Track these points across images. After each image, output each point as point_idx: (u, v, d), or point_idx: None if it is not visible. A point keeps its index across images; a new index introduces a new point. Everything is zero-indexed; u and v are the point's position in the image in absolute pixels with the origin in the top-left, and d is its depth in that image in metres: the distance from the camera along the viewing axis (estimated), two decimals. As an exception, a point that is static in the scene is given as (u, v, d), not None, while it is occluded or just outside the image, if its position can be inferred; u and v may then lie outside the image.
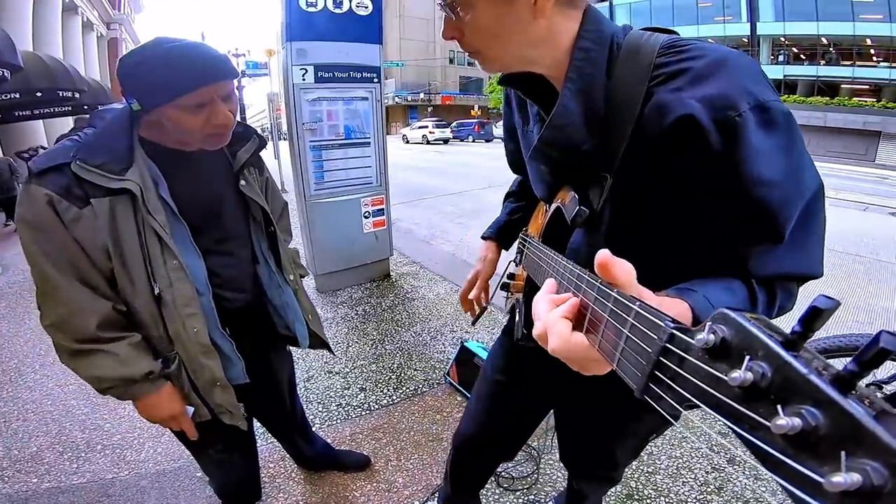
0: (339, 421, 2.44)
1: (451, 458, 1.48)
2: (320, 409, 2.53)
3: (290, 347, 1.65)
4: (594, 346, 0.51)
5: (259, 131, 1.38)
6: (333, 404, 2.57)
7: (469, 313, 1.30)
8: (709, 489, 1.94)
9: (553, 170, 0.90)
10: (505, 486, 1.99)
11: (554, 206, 0.92)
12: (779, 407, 0.28)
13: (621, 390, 0.46)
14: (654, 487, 1.97)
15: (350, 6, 3.70)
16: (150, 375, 1.12)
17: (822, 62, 23.74)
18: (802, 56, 24.31)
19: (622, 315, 0.46)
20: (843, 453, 0.24)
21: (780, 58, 24.64)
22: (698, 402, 0.34)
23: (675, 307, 0.60)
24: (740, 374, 0.30)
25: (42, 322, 1.07)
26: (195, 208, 1.20)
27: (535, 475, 2.03)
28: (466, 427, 1.38)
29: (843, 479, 0.22)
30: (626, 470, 2.00)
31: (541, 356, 0.80)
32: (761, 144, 0.63)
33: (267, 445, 2.13)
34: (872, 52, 23.12)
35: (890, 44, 21.90)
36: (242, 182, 1.31)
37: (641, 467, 2.06)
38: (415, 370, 2.90)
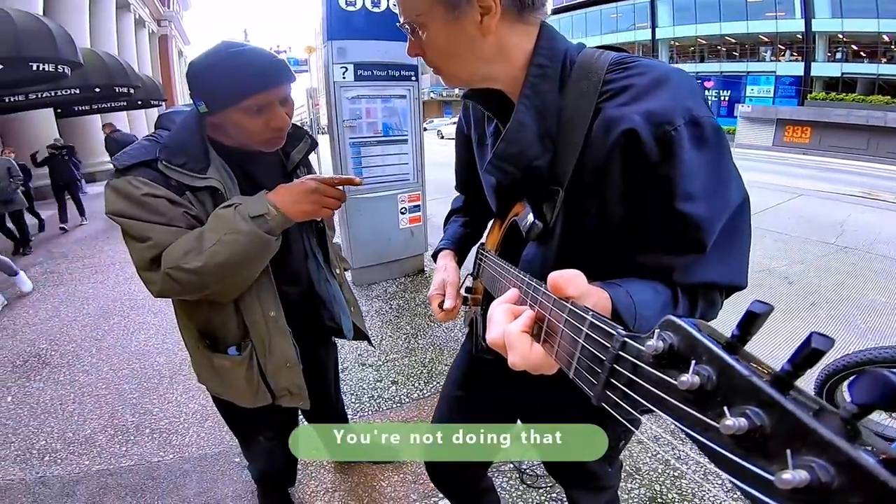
0: (370, 412, 2.51)
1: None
2: (353, 400, 2.61)
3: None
4: (552, 356, 0.53)
5: (300, 125, 1.42)
6: (366, 396, 2.65)
7: (440, 320, 1.26)
8: (736, 493, 1.89)
9: (508, 184, 0.91)
10: (528, 482, 2.00)
11: (509, 219, 0.94)
12: (725, 408, 0.29)
13: (580, 399, 0.47)
14: (679, 491, 1.96)
15: (388, 5, 3.75)
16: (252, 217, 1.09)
17: (883, 60, 22.30)
18: (862, 54, 22.87)
19: (577, 325, 0.48)
20: (788, 451, 0.25)
21: (838, 55, 23.27)
22: (652, 407, 0.36)
23: (596, 293, 0.63)
24: (688, 378, 0.31)
25: (162, 267, 1.05)
26: None
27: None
28: None
29: (792, 476, 0.23)
30: (651, 473, 2.01)
31: (498, 368, 0.83)
32: (691, 160, 0.67)
33: (301, 434, 2.21)
34: None
35: None
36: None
37: (668, 471, 2.05)
38: (445, 365, 2.94)
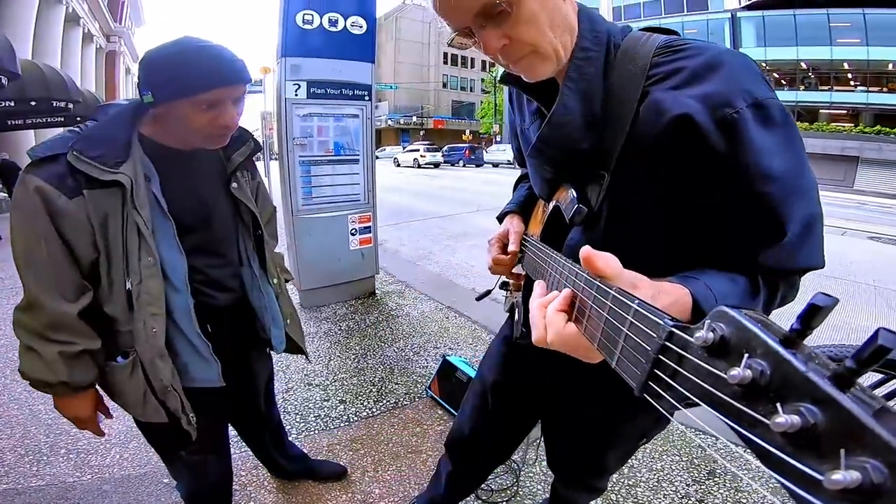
0: (316, 432, 2.38)
1: (448, 462, 1.48)
2: (297, 420, 2.47)
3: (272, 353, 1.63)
4: (594, 345, 0.52)
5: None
6: (312, 416, 2.52)
7: (500, 272, 1.17)
8: (689, 502, 1.91)
9: (552, 167, 0.90)
10: (484, 498, 1.94)
11: (553, 204, 0.92)
12: (778, 405, 0.28)
13: (618, 389, 0.47)
14: (635, 500, 1.94)
15: (345, 25, 3.78)
16: (65, 385, 1.12)
17: (802, 87, 24.24)
18: (783, 81, 24.75)
19: (621, 313, 0.46)
20: (842, 451, 0.24)
21: None
22: (698, 400, 0.34)
23: (675, 291, 0.60)
24: (739, 372, 0.30)
25: (16, 307, 1.10)
26: (186, 207, 1.21)
27: (515, 487, 1.99)
28: (459, 426, 1.38)
29: (843, 476, 0.22)
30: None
31: (537, 356, 0.82)
32: (761, 140, 0.64)
33: (240, 453, 2.06)
34: (850, 76, 23.69)
35: (866, 68, 22.48)
36: (234, 184, 1.32)
37: (622, 480, 2.04)
38: (396, 384, 2.86)
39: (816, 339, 3.56)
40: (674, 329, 0.38)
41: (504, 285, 1.25)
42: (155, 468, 2.06)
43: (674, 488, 1.98)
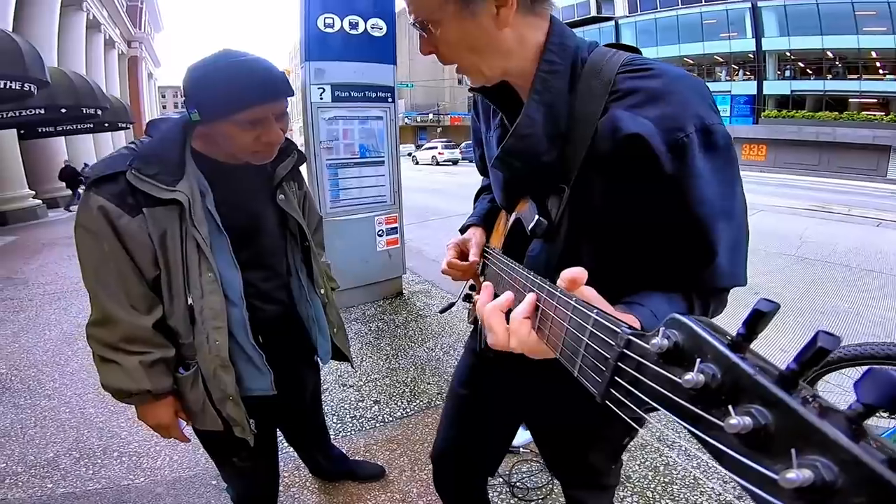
0: (353, 432, 2.46)
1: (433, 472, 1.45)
2: (335, 420, 2.55)
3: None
4: (556, 354, 0.54)
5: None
6: (348, 416, 2.59)
7: (454, 276, 1.17)
8: (727, 498, 1.92)
9: (514, 178, 0.92)
10: (519, 496, 1.98)
11: (514, 216, 0.94)
12: (730, 407, 0.29)
13: (585, 398, 0.47)
14: (671, 497, 1.96)
15: (365, 27, 3.82)
16: (148, 393, 1.16)
17: (829, 76, 23.59)
18: (809, 70, 24.15)
19: (581, 323, 0.48)
20: (793, 450, 0.25)
21: (787, 73, 24.58)
22: (656, 405, 0.36)
23: (622, 318, 0.64)
24: (693, 377, 0.31)
25: (88, 322, 1.13)
26: (238, 221, 1.24)
27: (550, 485, 2.02)
28: (438, 441, 1.36)
29: (796, 475, 0.23)
30: (642, 480, 2.01)
31: (503, 365, 0.85)
32: (703, 166, 0.68)
33: (283, 454, 2.13)
34: (878, 64, 22.99)
35: (895, 56, 21.82)
36: (281, 196, 1.34)
37: (658, 477, 2.06)
38: (428, 384, 2.91)
39: (857, 335, 3.50)
40: (631, 337, 0.40)
41: (468, 298, 1.24)
42: (203, 469, 2.15)
43: (711, 485, 1.99)
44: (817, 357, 0.26)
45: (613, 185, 0.74)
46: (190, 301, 1.16)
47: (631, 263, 0.78)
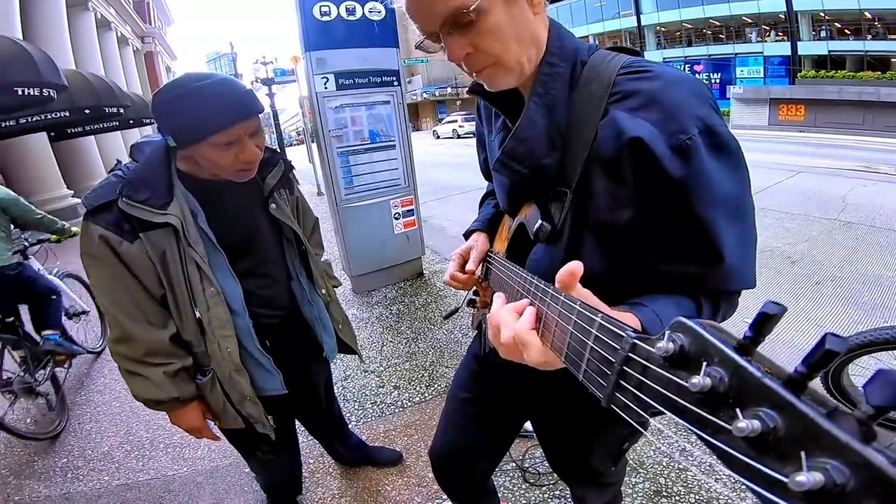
0: (373, 418, 2.60)
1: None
2: (356, 407, 2.70)
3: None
4: (560, 359, 0.54)
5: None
6: (368, 402, 2.74)
7: (456, 287, 1.18)
8: (742, 486, 1.93)
9: (517, 182, 0.90)
10: (531, 481, 2.05)
11: (518, 220, 0.94)
12: (738, 410, 0.29)
13: (589, 401, 0.48)
14: (685, 483, 1.97)
15: (363, 12, 3.78)
16: (176, 400, 1.26)
17: (869, 36, 22.13)
18: (847, 31, 22.66)
19: (586, 327, 0.48)
20: (802, 453, 0.25)
21: (823, 33, 23.11)
22: (663, 409, 0.36)
23: (624, 320, 0.64)
24: (699, 380, 0.31)
25: (108, 339, 1.24)
26: (232, 235, 1.29)
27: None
28: (437, 443, 1.36)
29: (806, 478, 0.23)
30: (655, 466, 2.02)
31: (505, 371, 0.86)
32: (711, 167, 0.67)
33: (307, 443, 2.29)
34: None
35: None
36: (273, 206, 1.38)
37: (672, 464, 2.06)
38: (447, 367, 3.02)
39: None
40: (636, 341, 0.40)
41: (471, 303, 1.26)
42: (238, 458, 2.28)
43: (727, 472, 2.01)
44: (825, 359, 0.26)
45: (616, 189, 0.73)
46: (198, 314, 1.24)
47: (636, 267, 0.77)
